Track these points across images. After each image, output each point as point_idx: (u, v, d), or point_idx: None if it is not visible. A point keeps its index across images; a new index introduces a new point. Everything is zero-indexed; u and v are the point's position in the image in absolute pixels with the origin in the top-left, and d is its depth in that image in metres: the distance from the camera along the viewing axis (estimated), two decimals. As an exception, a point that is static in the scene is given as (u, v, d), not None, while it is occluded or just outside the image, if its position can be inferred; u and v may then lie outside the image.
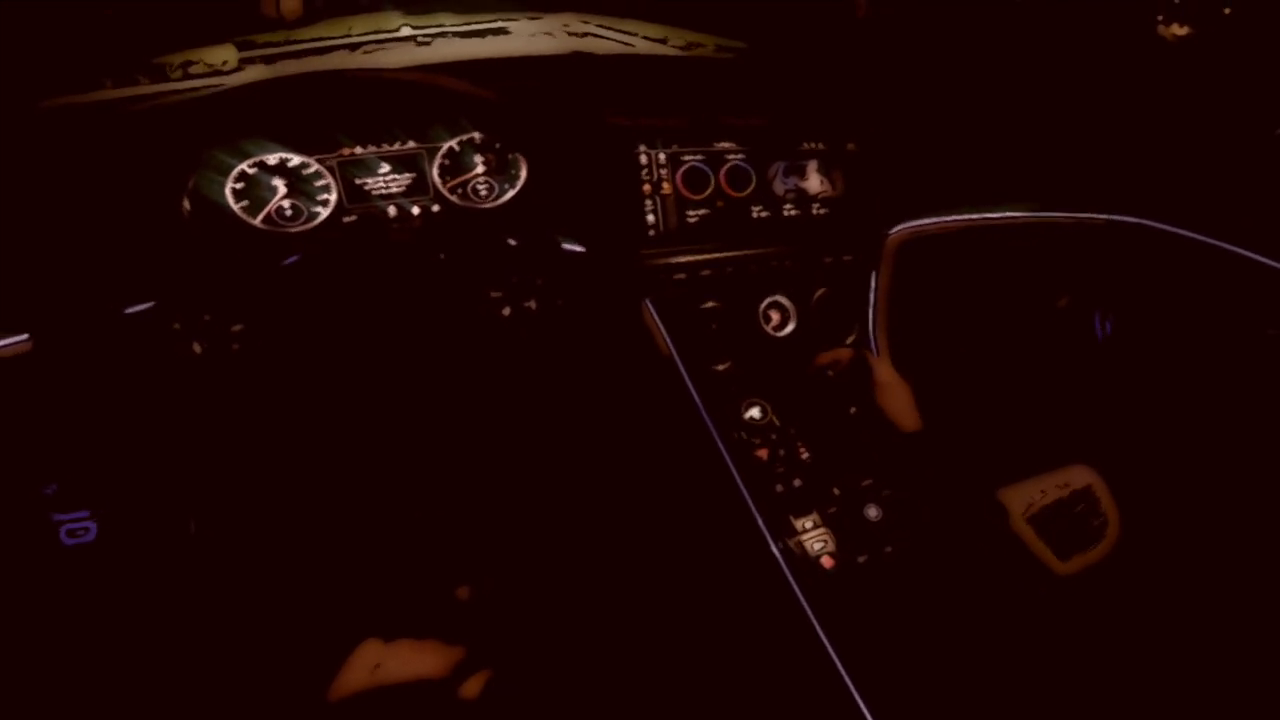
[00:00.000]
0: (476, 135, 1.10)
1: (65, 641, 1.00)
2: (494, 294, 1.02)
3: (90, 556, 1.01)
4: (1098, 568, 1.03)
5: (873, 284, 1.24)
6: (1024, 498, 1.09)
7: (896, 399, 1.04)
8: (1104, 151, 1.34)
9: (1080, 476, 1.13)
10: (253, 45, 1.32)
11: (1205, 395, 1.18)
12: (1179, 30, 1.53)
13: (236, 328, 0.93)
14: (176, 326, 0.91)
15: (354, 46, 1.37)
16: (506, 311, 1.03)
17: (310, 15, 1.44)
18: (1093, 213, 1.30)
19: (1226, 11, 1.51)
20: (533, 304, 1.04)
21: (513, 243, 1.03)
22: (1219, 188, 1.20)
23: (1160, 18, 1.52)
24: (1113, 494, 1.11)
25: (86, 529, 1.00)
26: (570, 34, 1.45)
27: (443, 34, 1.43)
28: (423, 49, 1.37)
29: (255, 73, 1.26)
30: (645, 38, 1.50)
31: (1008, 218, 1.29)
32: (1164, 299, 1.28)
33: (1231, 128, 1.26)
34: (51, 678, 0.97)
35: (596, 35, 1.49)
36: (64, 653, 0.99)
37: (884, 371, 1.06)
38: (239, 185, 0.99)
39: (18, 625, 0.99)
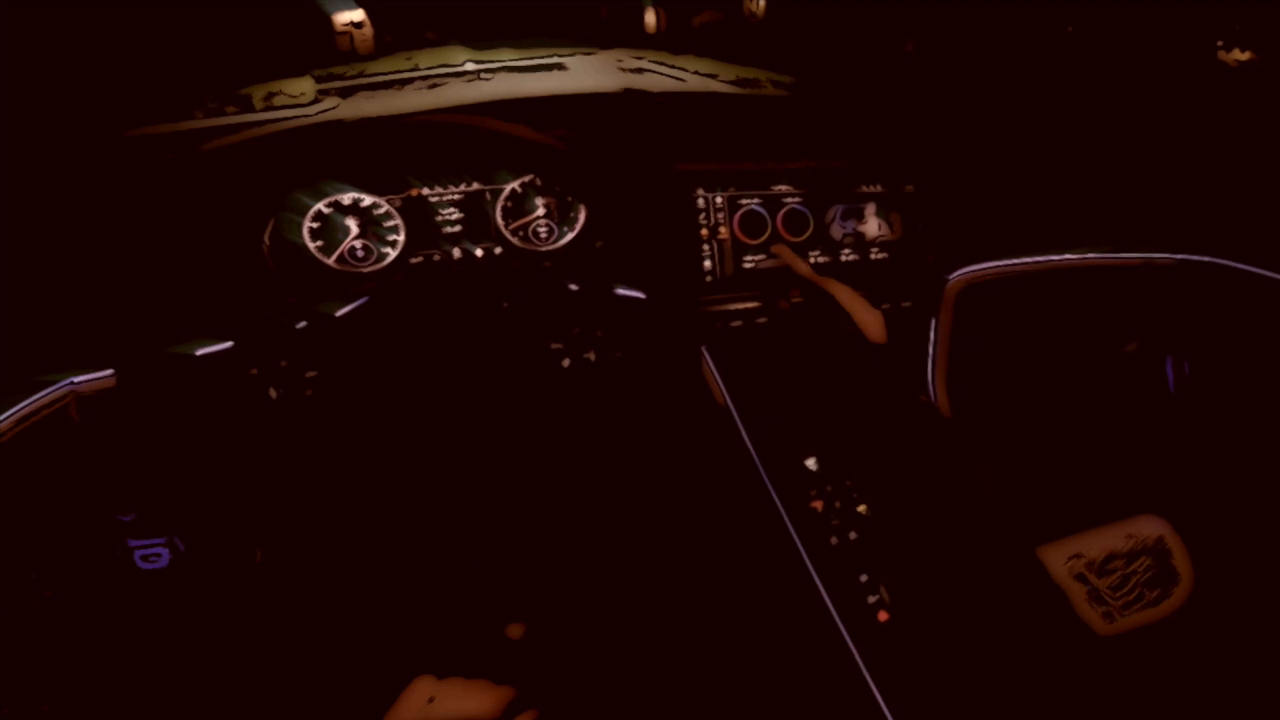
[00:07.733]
0: (537, 178, 1.12)
1: (130, 657, 1.04)
2: (554, 345, 1.03)
3: (161, 581, 1.06)
4: (1157, 627, 0.99)
5: (932, 330, 1.21)
6: (1079, 550, 1.05)
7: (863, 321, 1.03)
8: (1170, 187, 1.30)
9: (1150, 527, 1.08)
10: (328, 78, 1.37)
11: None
12: (1241, 56, 1.46)
13: (311, 374, 0.95)
14: (254, 372, 0.93)
15: (422, 79, 1.41)
16: (566, 363, 1.04)
17: (381, 49, 1.49)
18: (1161, 253, 1.26)
19: (1291, 34, 1.44)
20: (592, 355, 1.05)
21: (574, 288, 1.04)
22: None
23: (1220, 43, 1.46)
24: (1186, 546, 1.06)
25: (159, 555, 1.04)
26: (623, 70, 1.47)
27: (503, 69, 1.47)
28: (486, 84, 1.40)
29: (331, 103, 1.30)
30: (697, 73, 1.50)
31: (1072, 260, 1.25)
32: (1240, 341, 1.22)
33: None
34: (111, 690, 1.01)
35: (649, 70, 1.50)
36: (126, 667, 1.03)
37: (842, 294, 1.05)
38: (315, 225, 1.02)
39: (91, 637, 1.04)
